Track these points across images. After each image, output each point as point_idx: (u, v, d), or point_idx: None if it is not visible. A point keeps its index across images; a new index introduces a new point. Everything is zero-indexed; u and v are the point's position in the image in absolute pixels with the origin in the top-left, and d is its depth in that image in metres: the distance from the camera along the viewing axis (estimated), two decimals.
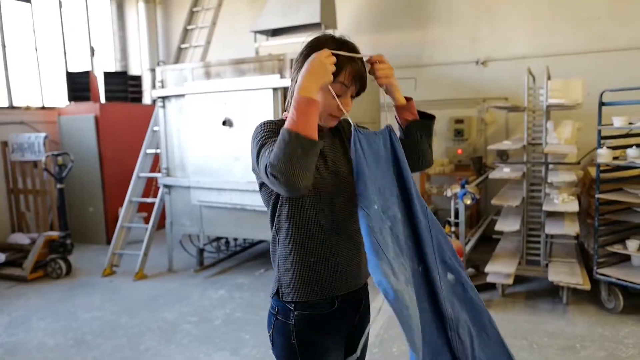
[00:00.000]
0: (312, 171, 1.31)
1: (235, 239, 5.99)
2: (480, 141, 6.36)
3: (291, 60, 4.64)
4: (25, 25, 6.93)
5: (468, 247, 4.60)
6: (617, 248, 4.00)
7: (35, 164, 6.13)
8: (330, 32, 1.55)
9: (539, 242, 4.49)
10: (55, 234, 5.45)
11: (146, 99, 7.76)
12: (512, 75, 5.94)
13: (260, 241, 6.18)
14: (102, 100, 7.02)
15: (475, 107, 6.34)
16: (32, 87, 7.05)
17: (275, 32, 6.24)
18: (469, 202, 4.19)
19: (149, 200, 5.66)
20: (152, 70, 7.54)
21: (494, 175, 4.44)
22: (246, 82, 4.71)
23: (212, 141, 4.85)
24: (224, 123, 4.72)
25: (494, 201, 4.42)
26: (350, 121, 1.48)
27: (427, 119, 1.66)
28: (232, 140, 4.69)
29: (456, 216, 4.36)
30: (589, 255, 4.36)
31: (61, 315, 4.25)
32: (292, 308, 1.54)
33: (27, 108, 6.76)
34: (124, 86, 7.13)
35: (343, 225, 1.53)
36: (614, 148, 3.99)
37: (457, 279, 1.56)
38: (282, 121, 1.47)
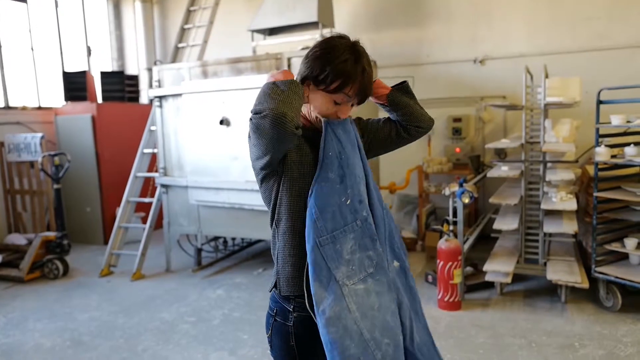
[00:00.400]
0: (298, 110, 1.38)
1: (233, 239, 5.97)
2: (478, 140, 6.35)
3: (288, 59, 4.63)
4: (22, 25, 6.90)
5: (466, 246, 4.60)
6: (615, 246, 4.00)
7: (31, 164, 6.10)
8: (337, 33, 1.57)
9: (537, 241, 4.48)
10: (52, 234, 5.43)
11: (143, 99, 7.74)
12: (510, 73, 5.94)
13: (259, 240, 6.17)
14: (99, 100, 6.99)
15: (473, 105, 6.34)
16: (28, 87, 7.01)
17: (273, 31, 6.22)
18: (467, 200, 4.19)
19: (147, 200, 5.64)
20: (149, 70, 7.51)
21: (492, 173, 4.43)
22: (243, 81, 4.69)
23: (210, 140, 4.83)
24: (222, 122, 4.70)
25: (492, 200, 4.41)
26: (322, 120, 1.52)
27: (400, 87, 1.73)
28: (230, 140, 4.68)
29: (454, 215, 4.36)
30: (587, 254, 4.35)
31: (58, 316, 4.24)
32: (290, 309, 1.52)
33: (24, 108, 6.73)
34: (121, 86, 7.10)
35: None
36: (612, 146, 3.99)
37: (401, 266, 1.63)
38: None
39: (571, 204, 4.03)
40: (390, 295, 1.51)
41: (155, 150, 5.47)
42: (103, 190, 6.69)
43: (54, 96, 7.29)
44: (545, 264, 4.37)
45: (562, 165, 4.44)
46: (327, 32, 5.54)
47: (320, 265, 1.43)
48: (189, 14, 6.49)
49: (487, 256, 4.49)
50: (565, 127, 4.40)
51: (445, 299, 4.02)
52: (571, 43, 5.77)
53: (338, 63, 1.43)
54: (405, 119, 1.71)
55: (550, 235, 4.54)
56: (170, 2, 8.12)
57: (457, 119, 6.30)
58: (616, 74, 5.41)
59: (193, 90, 4.93)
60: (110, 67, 8.33)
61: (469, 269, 4.65)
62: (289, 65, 4.61)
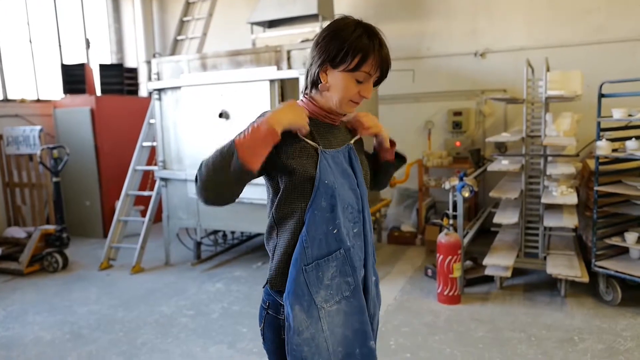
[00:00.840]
0: (232, 195, 1.39)
1: (233, 232, 5.96)
2: (479, 133, 6.33)
3: (288, 51, 4.60)
4: (20, 17, 6.86)
5: (466, 240, 4.59)
6: (615, 240, 3.99)
7: (30, 157, 6.07)
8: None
9: (537, 235, 4.47)
10: (51, 227, 5.42)
11: (142, 92, 7.71)
12: (510, 67, 5.91)
13: (258, 234, 6.16)
14: (98, 92, 6.96)
15: (474, 99, 6.31)
16: (27, 79, 6.98)
17: (272, 24, 6.18)
18: (467, 194, 4.17)
19: (146, 193, 5.62)
20: (148, 63, 7.48)
21: (492, 167, 4.42)
22: (243, 74, 4.66)
23: (209, 133, 4.81)
24: (221, 115, 4.68)
25: (492, 194, 4.40)
26: (319, 147, 1.50)
27: (401, 160, 1.88)
28: (229, 133, 4.63)
29: (454, 209, 4.34)
30: (587, 248, 4.35)
31: (57, 309, 4.23)
32: (282, 303, 1.51)
33: (22, 101, 6.70)
34: (119, 78, 7.07)
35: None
36: (613, 140, 3.97)
37: (376, 280, 1.71)
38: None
39: (572, 198, 4.01)
40: (360, 317, 1.56)
41: (155, 144, 5.45)
42: (102, 183, 6.68)
43: (53, 89, 7.26)
44: (545, 258, 4.36)
45: (562, 159, 4.42)
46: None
47: (303, 290, 1.46)
48: (188, 6, 6.45)
49: (487, 250, 4.48)
50: (566, 120, 4.37)
51: (445, 293, 4.02)
52: (572, 36, 5.73)
53: (354, 39, 1.41)
54: (377, 177, 1.85)
55: (551, 229, 4.54)
56: None
57: (458, 113, 6.28)
58: (618, 67, 5.38)
59: (192, 83, 4.90)
60: (109, 59, 8.29)
61: (468, 262, 4.65)
62: (288, 58, 4.59)
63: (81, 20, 7.78)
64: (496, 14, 6.11)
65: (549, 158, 4.39)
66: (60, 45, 7.39)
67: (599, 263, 3.96)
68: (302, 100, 1.56)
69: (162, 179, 5.32)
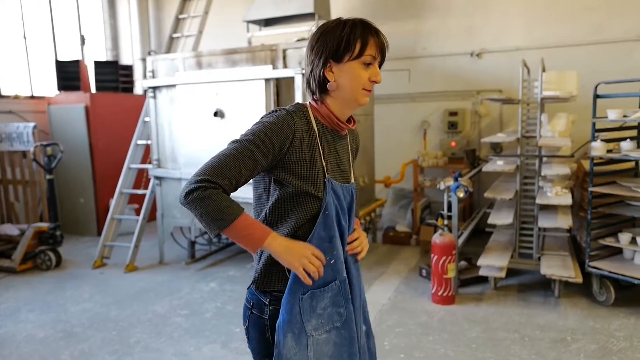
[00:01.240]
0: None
1: None
2: (474, 134, 6.34)
3: (284, 50, 4.58)
4: (14, 13, 6.80)
5: (461, 240, 4.59)
6: (609, 241, 4.00)
7: (24, 154, 6.04)
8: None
9: (531, 235, 4.48)
10: (44, 225, 5.39)
11: (138, 89, 7.67)
12: (506, 67, 5.92)
13: None
14: (93, 90, 6.92)
15: (470, 99, 6.31)
16: (20, 76, 6.94)
17: (268, 22, 6.16)
18: (462, 195, 4.17)
19: (140, 191, 5.60)
20: (144, 60, 7.44)
21: (487, 168, 4.42)
22: (238, 73, 4.65)
23: (204, 132, 4.79)
24: (216, 114, 4.67)
25: (487, 194, 4.40)
26: (327, 175, 1.50)
27: None
28: (224, 132, 4.64)
29: (449, 209, 4.34)
30: (581, 248, 4.36)
31: (50, 307, 4.21)
32: (266, 302, 1.51)
33: (16, 97, 6.65)
34: (115, 76, 7.03)
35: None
36: (608, 141, 3.98)
37: (367, 331, 1.71)
38: (296, 107, 1.49)
39: (566, 199, 4.02)
40: (350, 349, 1.56)
41: (149, 142, 5.42)
42: (97, 181, 6.65)
43: (47, 85, 7.21)
44: (539, 258, 4.37)
45: (557, 160, 4.43)
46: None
47: (297, 317, 1.47)
48: (184, 4, 6.41)
49: (481, 250, 4.48)
50: (562, 121, 4.38)
51: (439, 293, 4.02)
52: (568, 37, 5.74)
53: (349, 29, 1.43)
54: None
55: (545, 229, 4.54)
56: None
57: (453, 113, 6.28)
58: (613, 68, 5.40)
59: (187, 82, 4.88)
60: (104, 56, 8.24)
61: (463, 263, 4.65)
62: (284, 57, 4.57)
63: (76, 16, 7.73)
64: (492, 14, 6.11)
65: (544, 159, 4.40)
66: (54, 42, 7.34)
67: (592, 263, 3.97)
68: (310, 103, 1.54)
69: (157, 178, 5.29)
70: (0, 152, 6.13)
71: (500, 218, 4.26)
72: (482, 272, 4.29)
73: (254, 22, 6.11)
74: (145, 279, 4.90)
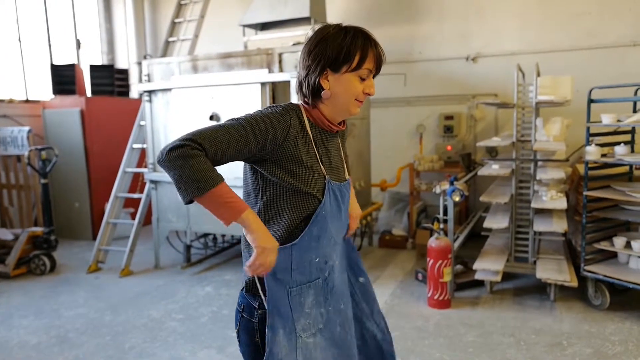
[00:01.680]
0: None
1: (223, 235, 5.93)
2: (470, 138, 6.35)
3: (279, 54, 4.58)
4: (9, 16, 6.78)
5: (457, 244, 4.60)
6: (604, 245, 4.01)
7: (18, 158, 6.01)
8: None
9: (527, 239, 4.49)
10: (39, 229, 5.35)
11: (133, 93, 7.65)
12: (502, 71, 5.94)
13: None
14: (88, 93, 6.90)
15: (465, 103, 6.33)
16: (15, 79, 6.91)
17: (264, 26, 6.16)
18: (457, 198, 4.18)
19: (135, 195, 5.58)
20: (139, 64, 7.43)
21: (482, 172, 4.43)
22: (234, 77, 4.65)
23: None
24: (211, 118, 4.66)
25: (482, 198, 4.41)
26: (326, 176, 1.52)
27: None
28: None
29: (445, 213, 4.35)
30: (576, 252, 4.37)
31: (44, 312, 4.18)
32: (256, 306, 1.51)
33: (11, 101, 6.63)
34: (110, 79, 7.01)
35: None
36: (603, 145, 4.00)
37: (365, 280, 1.84)
38: (291, 106, 1.50)
39: (561, 203, 4.03)
40: (335, 351, 1.58)
41: (145, 146, 5.41)
42: (92, 185, 6.62)
43: (42, 89, 7.19)
44: (535, 262, 4.38)
45: (552, 164, 4.44)
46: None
47: (287, 314, 1.47)
48: (180, 8, 6.41)
49: (477, 254, 4.49)
50: (556, 125, 4.40)
51: (435, 297, 4.01)
52: (563, 41, 5.78)
53: (350, 40, 1.43)
54: None
55: (540, 233, 4.55)
56: None
57: (449, 117, 6.30)
58: (607, 72, 5.43)
59: (183, 85, 4.87)
60: (100, 60, 8.23)
61: (459, 267, 4.65)
62: (279, 61, 4.57)
63: (72, 20, 7.71)
64: (487, 19, 6.14)
65: (539, 163, 4.41)
66: (50, 45, 7.32)
67: (588, 267, 3.98)
68: (303, 105, 1.54)
69: (152, 182, 5.28)
70: None
71: (496, 222, 4.27)
72: (478, 276, 4.30)
73: (250, 26, 6.11)
74: (140, 283, 4.87)
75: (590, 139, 3.97)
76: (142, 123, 5.45)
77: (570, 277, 3.98)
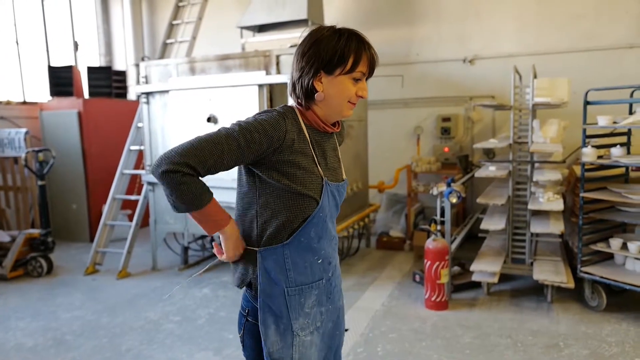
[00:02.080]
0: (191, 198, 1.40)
1: None
2: (467, 139, 6.37)
3: (277, 56, 4.59)
4: (6, 18, 6.78)
5: (454, 246, 4.59)
6: (600, 246, 4.02)
7: (15, 160, 6.00)
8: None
9: (524, 241, 4.50)
10: (36, 231, 5.34)
11: (131, 95, 7.65)
12: (499, 73, 5.96)
13: None
14: (86, 95, 6.90)
15: (462, 105, 6.34)
16: (13, 81, 6.90)
17: (262, 28, 6.17)
18: (454, 200, 4.18)
19: (133, 197, 5.57)
20: (137, 66, 7.43)
21: (479, 173, 4.43)
22: (231, 79, 4.65)
23: None
24: (209, 120, 4.66)
25: (479, 200, 4.42)
26: (324, 177, 1.53)
27: None
28: None
29: (442, 214, 4.35)
30: (573, 254, 4.38)
31: (41, 314, 4.17)
32: None
33: (8, 103, 6.62)
34: (108, 81, 7.02)
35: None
36: (599, 147, 4.01)
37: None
38: (286, 109, 1.50)
39: (558, 204, 4.04)
40: (322, 344, 1.61)
41: (142, 147, 5.40)
42: (89, 187, 6.61)
43: (39, 91, 7.18)
44: (531, 263, 4.38)
45: (549, 166, 4.46)
46: None
47: (283, 313, 1.49)
48: (177, 10, 6.42)
49: (474, 256, 4.49)
50: (553, 127, 4.41)
51: (433, 299, 4.02)
52: (559, 44, 5.80)
53: (344, 42, 1.43)
54: None
55: (537, 235, 4.56)
56: None
57: (446, 119, 6.31)
58: (604, 74, 5.45)
59: (180, 87, 4.87)
60: (98, 62, 8.23)
61: (456, 268, 4.66)
62: (277, 63, 4.58)
63: (69, 21, 7.71)
64: (484, 21, 6.16)
65: (536, 164, 4.42)
66: (47, 47, 7.32)
67: (584, 269, 3.99)
68: (297, 107, 1.54)
69: (150, 184, 5.27)
70: None
71: (493, 223, 4.28)
72: (475, 278, 4.30)
73: (248, 28, 6.12)
74: (137, 285, 4.86)
75: (587, 140, 3.98)
76: (140, 125, 5.44)
77: (567, 279, 3.99)
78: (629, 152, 4.19)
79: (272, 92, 4.61)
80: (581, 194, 3.96)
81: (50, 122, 6.66)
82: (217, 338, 3.64)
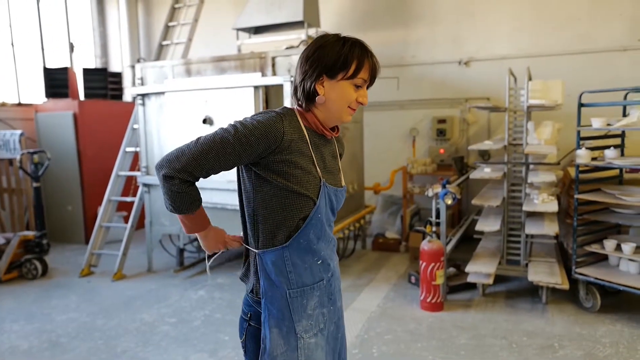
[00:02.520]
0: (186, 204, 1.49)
1: None
2: (463, 141, 6.39)
3: (273, 58, 4.60)
4: (2, 19, 6.76)
5: (449, 247, 4.61)
6: (595, 248, 4.04)
7: (10, 162, 5.98)
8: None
9: (519, 242, 4.52)
10: (30, 233, 5.32)
11: (127, 96, 7.63)
12: (494, 75, 5.98)
13: None
14: (81, 97, 6.88)
15: (458, 107, 6.37)
16: (8, 82, 6.88)
17: (258, 30, 6.18)
18: (450, 202, 4.20)
19: (129, 199, 5.56)
20: (133, 67, 7.42)
21: (474, 175, 4.45)
22: (227, 80, 4.65)
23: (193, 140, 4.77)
24: (205, 121, 4.66)
25: (474, 201, 4.43)
26: (322, 178, 1.54)
27: None
28: None
29: (437, 216, 4.37)
30: (568, 255, 4.40)
31: (35, 317, 4.15)
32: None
33: (3, 104, 6.60)
34: (103, 83, 7.00)
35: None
36: (593, 149, 4.03)
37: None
38: (285, 111, 1.51)
39: (552, 206, 4.06)
40: (327, 347, 1.62)
41: (138, 149, 5.40)
42: (85, 188, 6.59)
43: (35, 93, 7.16)
44: (526, 265, 4.40)
45: (544, 167, 4.48)
46: (312, 32, 5.52)
47: (285, 315, 1.50)
48: (173, 11, 6.42)
49: (469, 257, 4.51)
50: (548, 129, 4.43)
51: (428, 300, 4.03)
52: (553, 46, 5.83)
53: (348, 49, 1.46)
54: None
55: (532, 236, 4.58)
56: None
57: (442, 120, 6.33)
58: (597, 77, 5.48)
59: (176, 89, 4.87)
60: (94, 63, 8.21)
61: (451, 270, 4.67)
62: (273, 65, 4.59)
63: (65, 23, 7.70)
64: (479, 24, 6.19)
65: (531, 166, 4.44)
66: (43, 49, 7.30)
67: (579, 270, 4.01)
68: (297, 109, 1.56)
69: (145, 185, 5.27)
70: None
71: (488, 225, 4.29)
72: (470, 279, 4.31)
73: (244, 29, 6.12)
74: (133, 287, 4.85)
75: (581, 142, 4.00)
76: (136, 126, 5.44)
77: (562, 280, 4.01)
78: (622, 154, 4.22)
79: (268, 93, 4.62)
80: (575, 196, 3.98)
81: (45, 124, 6.64)
82: (213, 340, 3.64)
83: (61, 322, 4.02)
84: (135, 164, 5.71)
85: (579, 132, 3.99)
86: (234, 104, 4.59)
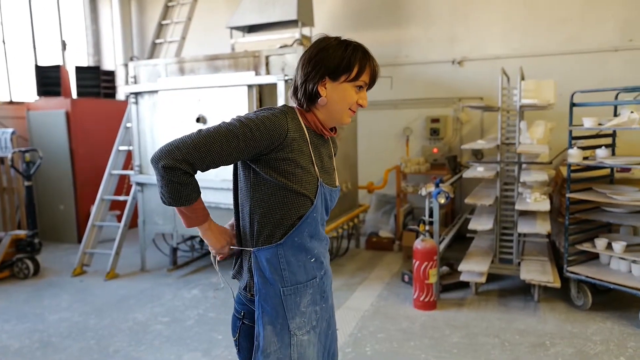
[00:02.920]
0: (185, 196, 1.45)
1: None
2: (456, 140, 6.41)
3: (266, 57, 4.59)
4: None
5: (442, 246, 4.63)
6: (586, 246, 4.07)
7: (2, 160, 5.93)
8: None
9: (511, 241, 4.54)
10: (22, 232, 5.29)
11: (120, 95, 7.60)
12: (487, 75, 6.01)
13: None
14: (74, 95, 6.84)
15: (451, 106, 6.39)
16: None
17: (252, 29, 6.16)
18: (443, 200, 4.21)
19: (121, 198, 5.53)
20: (126, 66, 7.38)
21: (467, 174, 4.47)
22: (221, 79, 4.64)
23: None
24: (198, 120, 4.65)
25: (467, 200, 4.45)
26: (319, 178, 1.54)
27: None
28: None
29: (431, 215, 4.38)
30: (560, 254, 4.43)
31: (27, 316, 4.13)
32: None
33: None
34: (96, 81, 6.96)
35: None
36: (585, 148, 4.06)
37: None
38: (287, 109, 1.51)
39: (545, 205, 4.09)
40: (319, 344, 1.63)
41: (131, 148, 5.37)
42: (77, 187, 6.55)
43: (27, 91, 7.11)
44: (519, 263, 4.43)
45: (536, 167, 4.50)
46: (306, 31, 5.52)
47: (279, 312, 1.50)
48: (167, 10, 6.39)
49: (462, 256, 4.53)
50: (540, 128, 4.46)
51: (421, 299, 4.04)
52: (546, 46, 5.86)
53: (351, 52, 1.48)
54: None
55: (525, 235, 4.61)
56: None
57: (435, 120, 6.35)
58: (589, 77, 5.52)
59: (169, 87, 4.85)
60: (86, 62, 8.16)
61: (444, 268, 4.69)
62: (267, 63, 4.58)
63: (57, 20, 7.64)
64: (473, 24, 6.21)
65: (523, 165, 4.47)
66: (35, 47, 7.24)
67: (570, 268, 4.04)
68: (297, 108, 1.56)
69: (138, 184, 5.24)
70: None
71: (481, 224, 4.31)
72: (463, 278, 4.33)
73: (238, 28, 6.11)
74: (126, 286, 4.83)
75: (573, 142, 4.03)
76: (129, 125, 5.42)
77: (554, 278, 4.04)
78: (613, 154, 4.26)
79: (262, 92, 4.61)
80: (567, 195, 4.01)
81: (37, 122, 6.59)
82: (207, 339, 3.63)
83: (53, 322, 4.00)
84: (128, 162, 5.69)
85: (570, 132, 4.02)
86: (227, 102, 4.58)
